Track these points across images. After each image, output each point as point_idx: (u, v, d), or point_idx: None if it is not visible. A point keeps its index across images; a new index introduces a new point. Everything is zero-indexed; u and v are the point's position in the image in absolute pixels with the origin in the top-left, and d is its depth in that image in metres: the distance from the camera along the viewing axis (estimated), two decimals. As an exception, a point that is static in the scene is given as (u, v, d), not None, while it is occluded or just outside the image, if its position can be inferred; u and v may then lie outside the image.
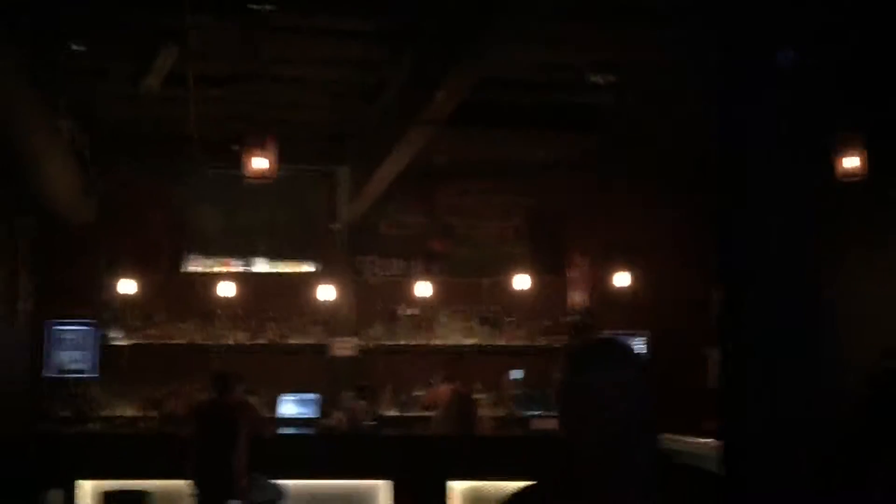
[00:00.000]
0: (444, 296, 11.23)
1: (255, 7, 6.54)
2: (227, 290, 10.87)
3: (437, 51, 6.82)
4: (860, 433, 4.35)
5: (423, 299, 11.13)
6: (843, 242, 7.66)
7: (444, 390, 9.58)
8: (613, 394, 2.15)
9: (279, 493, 7.96)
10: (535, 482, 2.30)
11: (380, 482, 8.25)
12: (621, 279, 10.61)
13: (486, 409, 10.36)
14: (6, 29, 6.19)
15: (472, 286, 11.35)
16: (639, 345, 10.23)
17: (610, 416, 2.14)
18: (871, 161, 6.84)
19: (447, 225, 11.61)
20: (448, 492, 8.27)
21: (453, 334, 11.12)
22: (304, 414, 10.10)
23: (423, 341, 11.13)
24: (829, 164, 7.08)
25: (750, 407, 2.99)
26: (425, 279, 11.15)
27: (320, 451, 8.77)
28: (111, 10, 6.76)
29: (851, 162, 6.81)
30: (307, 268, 11.44)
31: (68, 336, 10.74)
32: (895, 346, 6.37)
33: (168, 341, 10.87)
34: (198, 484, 7.76)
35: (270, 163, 6.86)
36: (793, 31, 3.45)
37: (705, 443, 6.87)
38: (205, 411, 8.08)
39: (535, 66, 8.02)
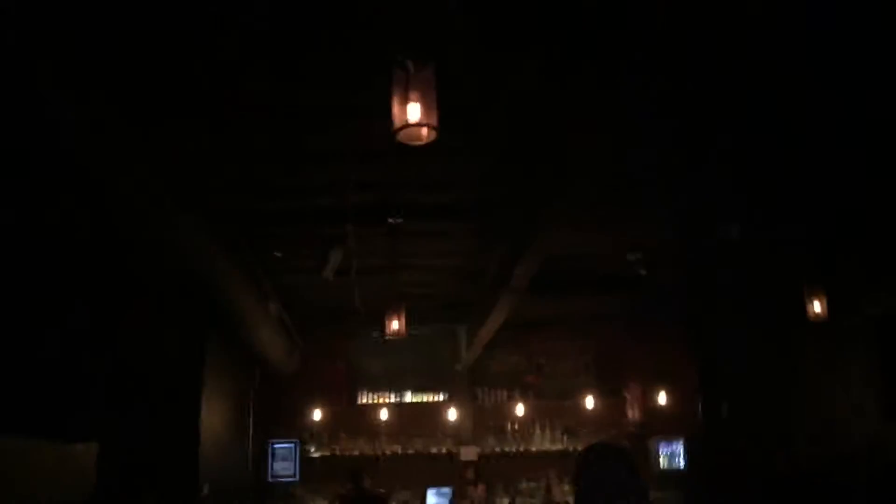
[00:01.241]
0: (536, 414, 10.99)
1: (391, 220, 6.74)
2: (385, 415, 10.88)
3: (514, 241, 6.90)
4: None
5: (522, 417, 10.91)
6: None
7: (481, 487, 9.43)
8: (615, 483, 2.06)
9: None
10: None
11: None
12: (662, 398, 10.24)
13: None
14: (233, 252, 6.51)
15: (556, 407, 11.08)
16: (677, 446, 9.78)
17: (613, 499, 2.04)
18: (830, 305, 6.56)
19: (537, 363, 11.47)
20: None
21: (545, 442, 10.79)
22: (442, 503, 9.89)
23: (523, 448, 10.82)
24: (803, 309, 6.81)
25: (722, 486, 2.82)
26: (523, 402, 10.97)
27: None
28: (298, 228, 7.04)
29: (817, 307, 6.52)
30: (440, 397, 11.38)
31: (280, 451, 10.81)
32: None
33: (347, 453, 10.82)
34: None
35: (401, 325, 6.93)
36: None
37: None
38: (349, 499, 8.02)
39: (588, 249, 7.97)
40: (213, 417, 8.24)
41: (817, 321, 6.70)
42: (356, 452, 10.81)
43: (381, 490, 9.80)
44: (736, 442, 2.85)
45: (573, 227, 6.43)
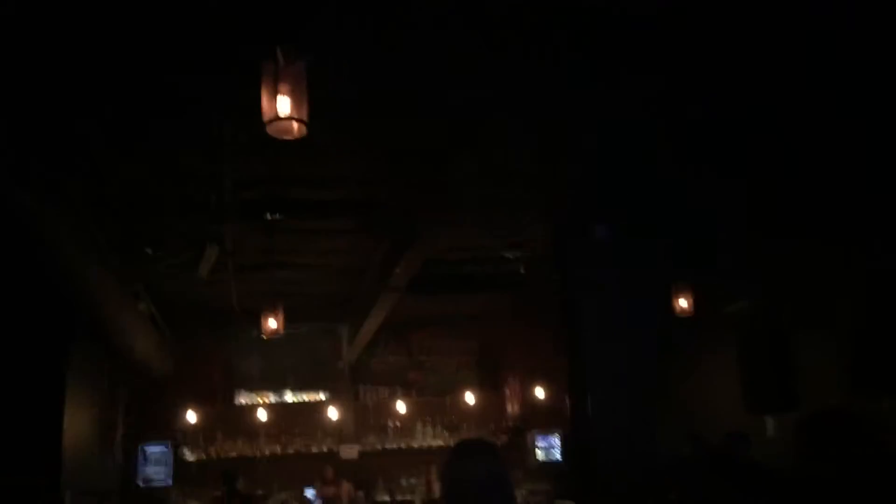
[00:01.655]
0: (417, 411, 10.99)
1: (269, 217, 6.55)
2: (264, 415, 10.63)
3: (395, 240, 6.85)
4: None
5: (404, 414, 10.88)
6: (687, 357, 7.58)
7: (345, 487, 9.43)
8: (481, 480, 2.01)
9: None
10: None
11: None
12: (540, 392, 10.42)
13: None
14: (95, 249, 6.17)
15: (437, 403, 11.11)
16: (553, 440, 9.98)
17: (479, 496, 2.00)
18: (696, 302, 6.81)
19: (419, 360, 11.48)
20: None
21: (426, 438, 10.79)
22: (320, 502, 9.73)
23: (405, 445, 10.80)
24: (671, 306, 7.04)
25: (590, 480, 2.86)
26: (404, 400, 10.94)
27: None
28: (170, 225, 6.75)
29: (684, 304, 6.77)
30: (321, 396, 11.21)
31: (152, 454, 10.38)
32: (698, 431, 6.16)
33: (224, 455, 10.50)
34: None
35: (279, 324, 6.75)
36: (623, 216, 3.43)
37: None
38: (222, 502, 7.81)
39: (467, 248, 8.00)
40: (78, 423, 7.79)
41: (684, 317, 6.96)
42: (233, 454, 10.50)
43: (259, 492, 9.58)
44: (602, 438, 2.91)
45: (454, 229, 6.43)
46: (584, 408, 2.94)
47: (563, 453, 10.01)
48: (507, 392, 11.06)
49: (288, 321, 7.36)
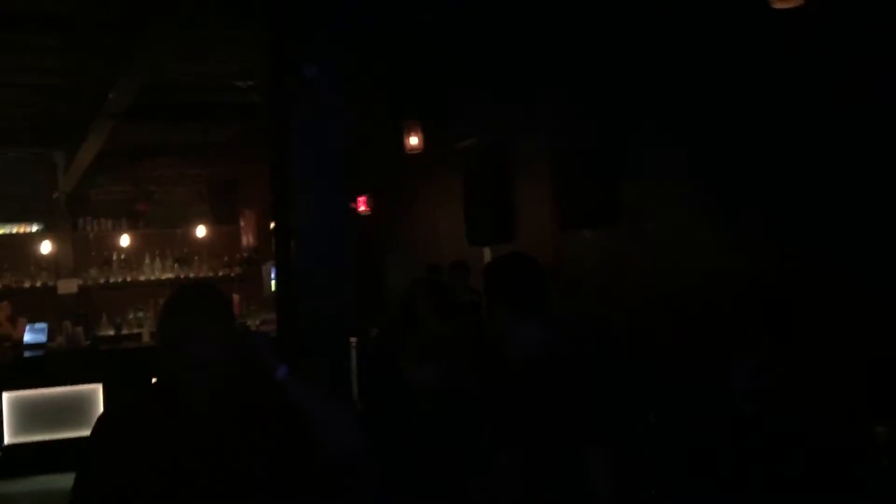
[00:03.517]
0: (145, 244, 10.66)
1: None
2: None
3: (110, 62, 6.35)
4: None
5: (129, 247, 10.52)
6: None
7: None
8: (195, 325, 1.96)
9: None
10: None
11: (94, 385, 7.65)
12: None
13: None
14: None
15: (167, 236, 10.82)
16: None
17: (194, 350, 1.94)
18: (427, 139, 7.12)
19: (148, 191, 11.01)
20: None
21: (155, 272, 10.54)
22: (38, 339, 9.28)
23: (131, 278, 10.49)
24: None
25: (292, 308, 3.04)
26: (130, 232, 10.55)
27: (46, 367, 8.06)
28: None
29: (414, 140, 7.04)
30: (33, 228, 10.47)
31: None
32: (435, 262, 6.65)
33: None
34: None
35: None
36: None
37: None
38: None
39: (197, 74, 7.61)
40: None
41: (413, 153, 7.27)
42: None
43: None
44: (305, 271, 3.08)
45: (176, 52, 6.07)
46: (287, 245, 3.06)
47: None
48: (243, 224, 11.01)
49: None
